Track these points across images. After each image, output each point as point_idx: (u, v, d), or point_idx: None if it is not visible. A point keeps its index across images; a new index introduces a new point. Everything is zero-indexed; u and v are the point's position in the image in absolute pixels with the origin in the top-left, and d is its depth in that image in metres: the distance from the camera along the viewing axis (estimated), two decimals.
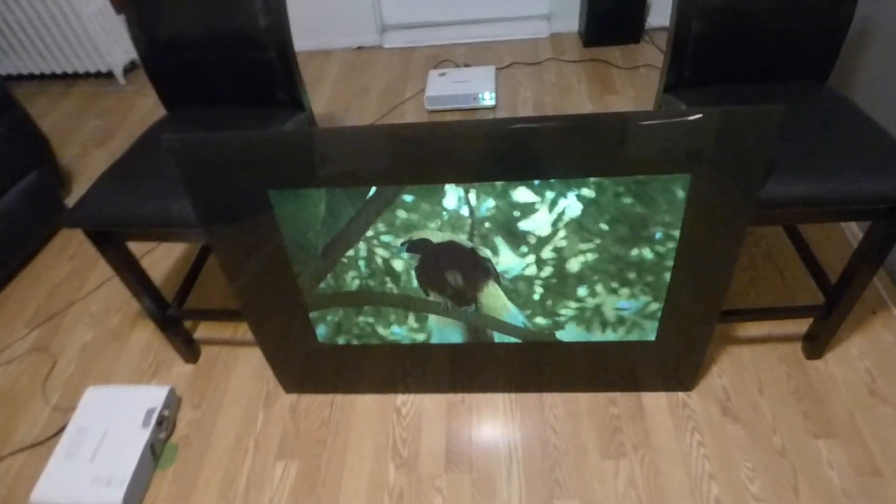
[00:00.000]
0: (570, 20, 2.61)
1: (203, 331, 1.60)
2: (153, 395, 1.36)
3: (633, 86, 2.28)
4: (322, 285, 1.15)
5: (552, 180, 0.96)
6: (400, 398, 1.40)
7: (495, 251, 1.06)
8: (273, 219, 1.05)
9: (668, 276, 1.09)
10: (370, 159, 0.96)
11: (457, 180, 0.97)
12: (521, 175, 0.96)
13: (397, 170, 0.97)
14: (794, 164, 1.05)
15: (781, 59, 1.23)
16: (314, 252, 1.09)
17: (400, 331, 1.23)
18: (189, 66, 1.36)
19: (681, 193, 0.97)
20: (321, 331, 1.24)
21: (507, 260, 1.08)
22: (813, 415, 1.29)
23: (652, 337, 1.21)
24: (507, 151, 0.93)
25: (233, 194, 1.01)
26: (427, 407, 1.38)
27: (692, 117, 0.88)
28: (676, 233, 1.02)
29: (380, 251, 1.08)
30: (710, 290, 1.11)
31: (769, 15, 1.16)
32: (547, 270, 1.09)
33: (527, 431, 1.31)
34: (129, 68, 2.73)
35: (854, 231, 1.64)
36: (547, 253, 1.06)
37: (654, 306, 1.15)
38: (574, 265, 1.08)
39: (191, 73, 1.37)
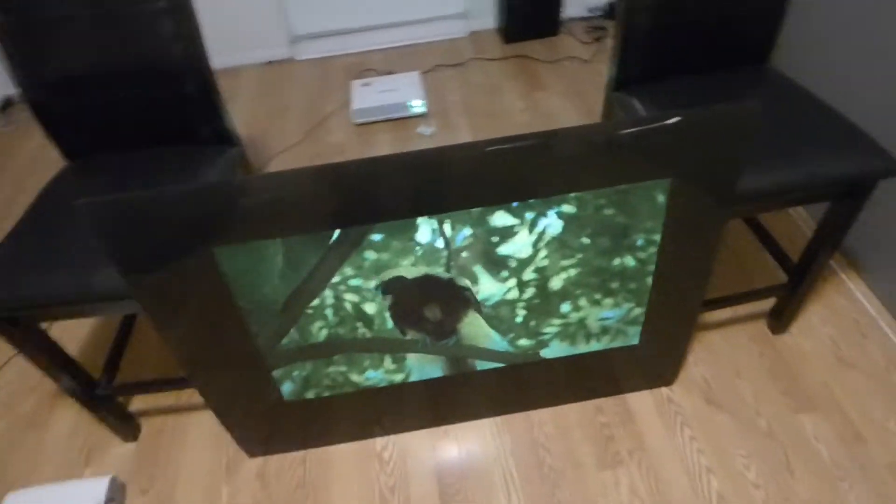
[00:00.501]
0: (487, 17, 2.57)
1: (140, 401, 1.41)
2: (91, 489, 1.18)
3: (560, 79, 2.27)
4: (285, 341, 1.03)
5: (531, 201, 0.90)
6: (379, 442, 1.30)
7: (475, 280, 0.99)
8: (222, 279, 0.92)
9: (650, 280, 1.06)
10: (330, 201, 0.85)
11: (429, 212, 0.89)
12: (499, 199, 0.89)
13: (362, 208, 0.87)
14: (755, 153, 1.04)
15: (724, 47, 1.23)
16: (273, 308, 0.97)
17: (376, 374, 1.13)
18: (90, 109, 1.18)
19: (661, 198, 0.93)
20: (287, 388, 1.12)
21: (487, 287, 1.00)
22: (791, 391, 1.31)
23: (636, 341, 1.18)
24: (482, 176, 0.86)
25: (170, 257, 0.87)
26: (410, 447, 1.29)
27: (671, 121, 0.84)
28: (657, 237, 0.99)
29: (349, 296, 0.98)
30: (692, 286, 1.09)
31: (710, 3, 1.15)
32: (529, 292, 1.03)
33: (519, 455, 1.25)
34: (4, 105, 2.42)
35: (800, 213, 1.68)
36: (528, 274, 1.00)
37: (637, 311, 1.12)
38: (556, 283, 1.02)
39: (93, 116, 1.19)
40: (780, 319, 1.37)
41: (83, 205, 0.80)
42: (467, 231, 0.92)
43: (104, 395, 1.22)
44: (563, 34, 2.51)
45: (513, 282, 1.00)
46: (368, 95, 2.14)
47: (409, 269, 0.95)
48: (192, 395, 1.41)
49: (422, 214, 0.88)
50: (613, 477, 1.21)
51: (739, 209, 1.06)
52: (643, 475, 1.21)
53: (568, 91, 2.21)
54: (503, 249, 0.95)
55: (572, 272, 1.01)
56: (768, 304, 1.43)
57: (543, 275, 1.00)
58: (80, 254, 0.99)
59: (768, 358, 1.37)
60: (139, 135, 1.22)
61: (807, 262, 1.23)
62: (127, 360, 1.47)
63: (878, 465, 1.19)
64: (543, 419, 1.31)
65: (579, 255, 0.99)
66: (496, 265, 0.97)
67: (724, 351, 1.39)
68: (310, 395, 1.14)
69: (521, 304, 1.05)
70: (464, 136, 2.06)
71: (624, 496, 1.18)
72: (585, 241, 0.97)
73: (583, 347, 1.17)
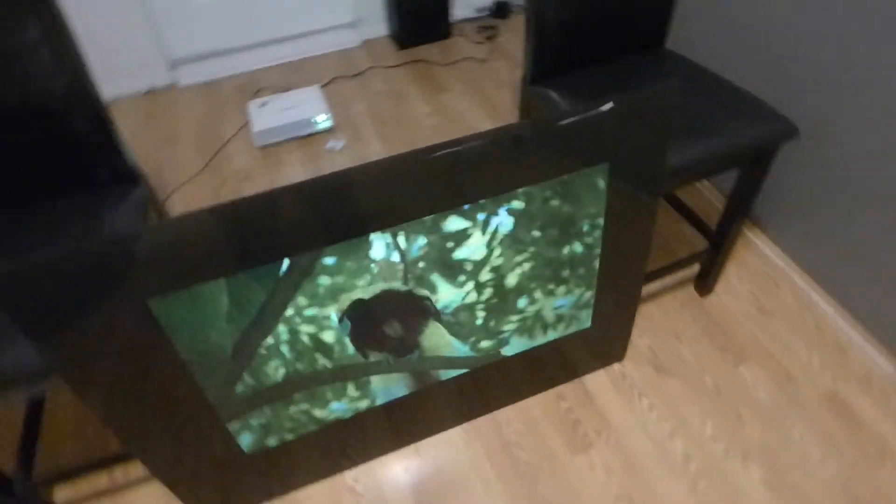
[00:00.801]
0: (377, 24, 2.55)
1: (69, 489, 1.24)
2: None
3: (460, 81, 2.29)
4: (239, 388, 0.94)
5: (482, 201, 0.89)
6: (349, 476, 1.23)
7: (433, 289, 0.96)
8: (160, 332, 0.82)
9: (597, 263, 1.08)
10: (273, 230, 0.79)
11: (382, 226, 0.85)
12: (449, 204, 0.87)
13: (310, 233, 0.82)
14: (674, 131, 1.10)
15: (625, 34, 1.29)
16: (222, 354, 0.89)
17: (340, 405, 1.07)
18: None
19: (601, 183, 0.96)
20: (246, 440, 1.03)
21: (446, 294, 0.98)
22: (726, 346, 1.40)
23: (588, 324, 1.21)
24: (429, 184, 0.84)
25: (98, 320, 0.77)
26: (382, 474, 1.23)
27: (605, 108, 0.87)
28: (601, 220, 1.01)
29: (304, 328, 0.92)
30: (635, 263, 1.14)
31: None
32: (487, 293, 1.02)
33: (494, 458, 1.24)
34: None
35: (705, 185, 1.80)
36: (485, 275, 0.99)
37: (588, 294, 1.14)
38: (512, 279, 1.02)
39: None
40: (705, 282, 1.47)
41: None
42: (422, 240, 0.89)
43: (23, 494, 1.06)
44: (455, 36, 2.54)
45: (470, 284, 0.99)
46: (268, 115, 2.04)
47: (365, 288, 0.91)
48: (131, 469, 1.26)
49: (374, 230, 0.85)
50: (587, 460, 1.23)
51: (669, 183, 1.11)
52: (614, 451, 1.24)
53: (470, 91, 2.24)
54: (459, 253, 0.94)
55: (526, 266, 1.01)
56: (693, 270, 1.53)
57: (499, 273, 1.00)
58: None
59: (701, 319, 1.46)
60: (24, 187, 1.07)
61: (725, 226, 1.32)
62: (43, 447, 1.30)
63: (812, 400, 1.30)
64: (510, 417, 1.30)
65: (532, 249, 0.99)
66: (453, 270, 0.95)
67: (661, 320, 1.47)
68: (271, 442, 1.06)
69: (480, 306, 1.03)
70: (375, 146, 2.02)
71: (600, 476, 1.20)
72: (536, 234, 0.98)
73: (540, 339, 1.18)
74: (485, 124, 2.08)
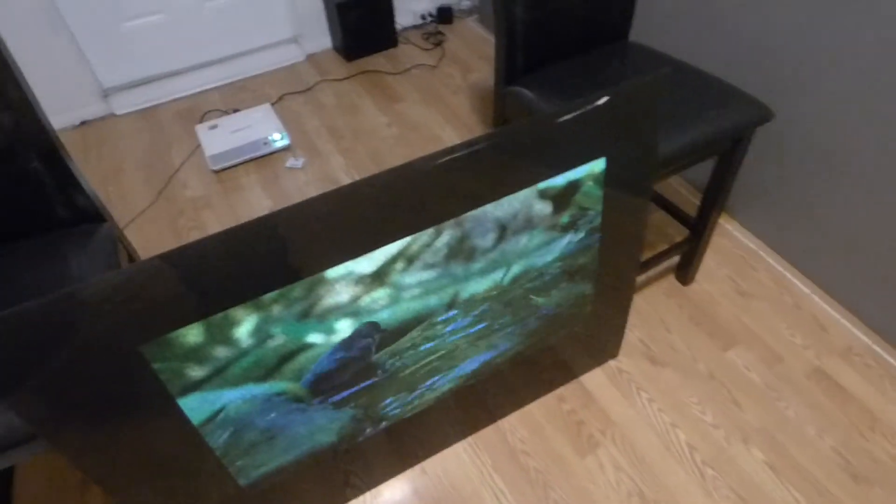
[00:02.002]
0: (321, 38, 2.48)
1: None
2: None
3: (413, 88, 2.26)
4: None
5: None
6: None
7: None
8: (155, 378, 0.75)
9: (595, 260, 1.07)
10: (284, 253, 0.73)
11: (385, 241, 0.81)
12: (449, 213, 0.83)
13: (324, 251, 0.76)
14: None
15: (590, 28, 1.29)
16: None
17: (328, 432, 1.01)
18: None
19: (599, 178, 0.94)
20: (245, 478, 0.96)
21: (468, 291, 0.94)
22: (714, 332, 1.43)
23: (582, 323, 1.20)
24: (437, 191, 0.80)
25: (85, 375, 0.69)
26: (391, 499, 1.18)
27: (601, 101, 0.85)
28: (599, 218, 1.00)
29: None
30: (629, 256, 1.13)
31: None
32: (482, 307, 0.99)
33: (503, 469, 1.21)
34: None
35: (675, 177, 1.84)
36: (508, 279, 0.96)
37: (585, 293, 1.13)
38: (517, 292, 1.00)
39: None
40: (686, 271, 1.49)
41: None
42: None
43: None
44: (402, 44, 2.51)
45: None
46: (220, 138, 1.95)
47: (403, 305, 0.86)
48: None
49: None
50: (596, 460, 1.21)
51: (658, 174, 1.12)
52: (620, 449, 1.23)
53: (425, 98, 2.21)
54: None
55: (521, 272, 0.99)
56: (673, 260, 1.55)
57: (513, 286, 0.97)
58: None
59: (686, 308, 1.48)
60: None
61: (705, 215, 1.34)
62: None
63: (800, 377, 1.33)
64: (514, 425, 1.27)
65: (528, 254, 0.97)
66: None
67: (649, 311, 1.48)
68: (270, 473, 0.99)
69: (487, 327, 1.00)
70: (336, 161, 1.96)
71: (611, 475, 1.19)
72: (534, 236, 0.95)
73: (535, 341, 1.16)
74: (447, 131, 2.06)
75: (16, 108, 0.91)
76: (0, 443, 0.75)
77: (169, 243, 1.72)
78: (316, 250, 0.76)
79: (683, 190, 1.78)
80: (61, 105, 2.17)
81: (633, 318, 1.46)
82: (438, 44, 2.50)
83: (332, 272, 0.78)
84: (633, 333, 1.43)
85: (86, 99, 2.21)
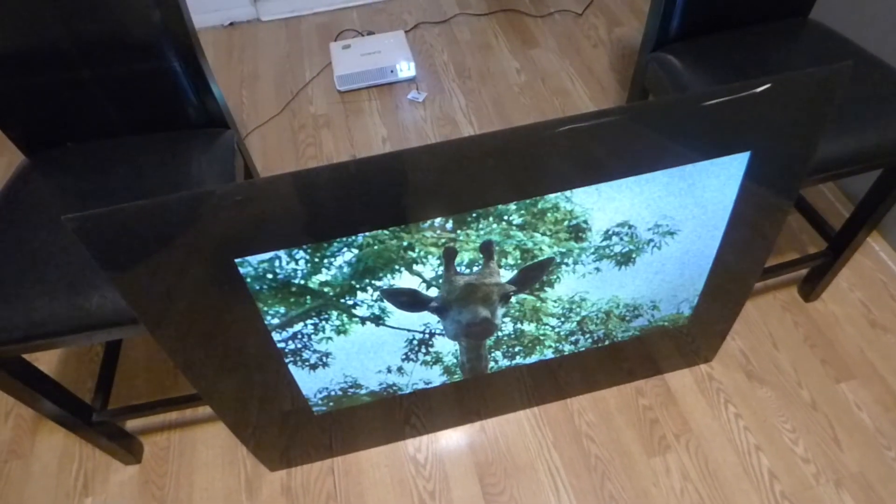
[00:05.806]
0: None
1: (140, 419, 1.27)
2: None
3: (552, 36, 2.13)
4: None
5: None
6: (412, 444, 1.21)
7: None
8: (245, 292, 0.78)
9: (710, 259, 0.98)
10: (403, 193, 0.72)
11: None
12: (586, 179, 0.78)
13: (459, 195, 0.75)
14: None
15: None
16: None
17: (423, 377, 1.03)
18: (51, 92, 1.00)
19: (738, 174, 0.84)
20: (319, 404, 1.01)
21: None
22: (829, 359, 1.28)
23: (684, 321, 1.12)
24: (559, 158, 0.74)
25: (183, 274, 0.73)
26: (446, 447, 1.20)
27: (760, 88, 0.74)
28: (727, 215, 0.90)
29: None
30: (751, 264, 1.02)
31: None
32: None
33: (563, 448, 1.19)
34: None
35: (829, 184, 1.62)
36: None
37: (693, 290, 1.04)
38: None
39: (55, 100, 1.01)
40: (813, 287, 1.33)
41: (73, 220, 0.65)
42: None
43: (99, 421, 1.07)
44: None
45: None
46: (350, 60, 1.96)
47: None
48: (199, 408, 1.28)
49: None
50: (664, 463, 1.16)
51: (809, 180, 0.98)
52: (692, 458, 1.16)
53: (563, 48, 2.08)
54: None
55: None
56: (800, 272, 1.39)
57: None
58: (65, 271, 0.84)
59: (803, 326, 1.33)
60: (112, 122, 1.04)
61: (851, 231, 1.17)
62: (116, 380, 1.32)
63: None
64: (583, 406, 1.24)
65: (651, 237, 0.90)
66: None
67: (758, 322, 1.35)
68: (343, 405, 1.04)
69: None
70: (458, 101, 1.91)
71: (676, 482, 1.13)
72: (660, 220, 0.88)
73: (627, 328, 1.10)
74: (577, 87, 1.94)
75: (166, 6, 0.94)
76: (111, 318, 0.82)
77: (286, 156, 1.79)
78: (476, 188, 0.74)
79: (830, 194, 1.57)
80: (215, 4, 2.27)
81: (738, 326, 1.34)
82: None
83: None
84: (735, 342, 1.32)
85: (237, 1, 2.29)
